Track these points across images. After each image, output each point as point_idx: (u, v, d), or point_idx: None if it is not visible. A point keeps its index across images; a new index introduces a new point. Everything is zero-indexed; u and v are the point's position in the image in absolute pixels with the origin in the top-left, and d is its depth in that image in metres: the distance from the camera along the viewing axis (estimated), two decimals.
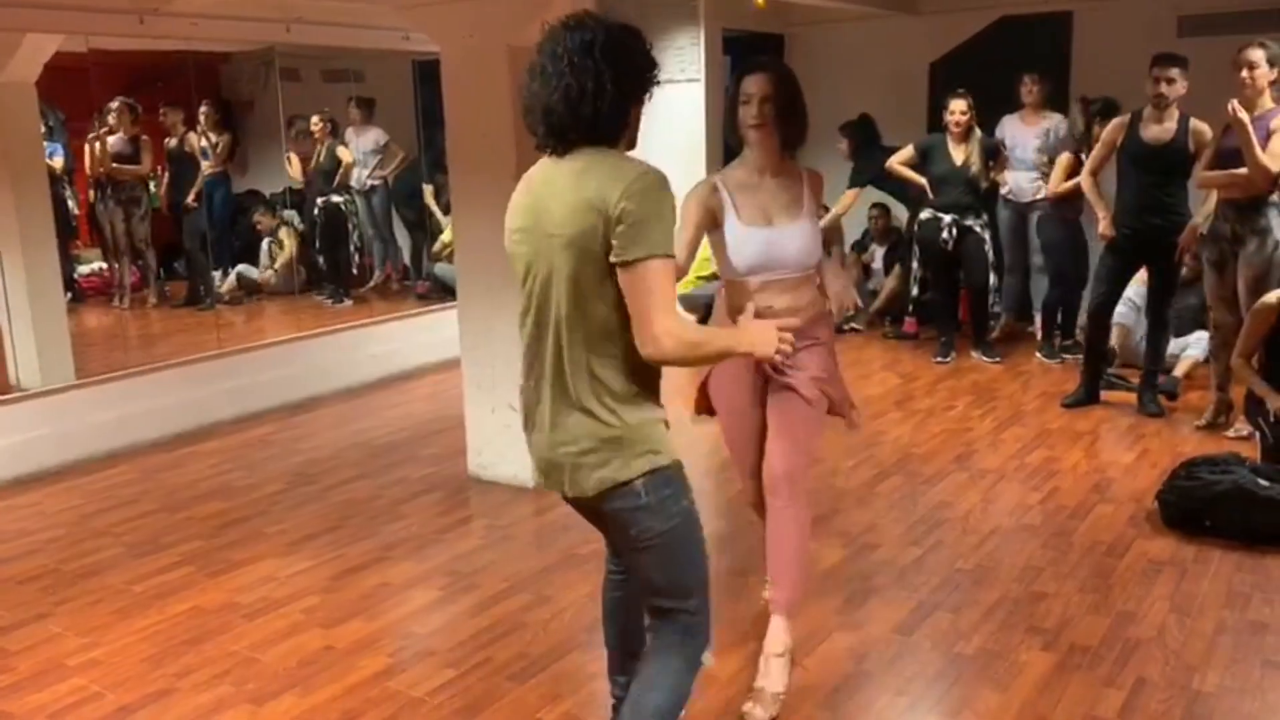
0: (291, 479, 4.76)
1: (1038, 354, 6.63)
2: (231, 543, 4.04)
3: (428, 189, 8.35)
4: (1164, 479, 4.12)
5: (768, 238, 2.90)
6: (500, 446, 4.58)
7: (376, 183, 8.48)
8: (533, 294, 2.13)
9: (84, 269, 8.46)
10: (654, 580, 2.21)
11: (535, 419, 2.20)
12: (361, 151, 8.40)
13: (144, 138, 7.92)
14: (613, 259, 1.98)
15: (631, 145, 2.18)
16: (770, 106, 2.87)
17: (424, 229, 8.60)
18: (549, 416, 2.13)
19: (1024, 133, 6.76)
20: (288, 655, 3.18)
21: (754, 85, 2.90)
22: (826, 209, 7.17)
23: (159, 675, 3.08)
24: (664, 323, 1.97)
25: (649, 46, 2.14)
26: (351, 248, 8.54)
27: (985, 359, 6.56)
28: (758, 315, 2.59)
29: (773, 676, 2.85)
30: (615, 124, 2.09)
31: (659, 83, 2.16)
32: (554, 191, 2.07)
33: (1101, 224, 5.31)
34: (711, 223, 2.96)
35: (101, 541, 4.09)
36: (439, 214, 8.26)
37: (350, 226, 8.51)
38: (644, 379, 2.10)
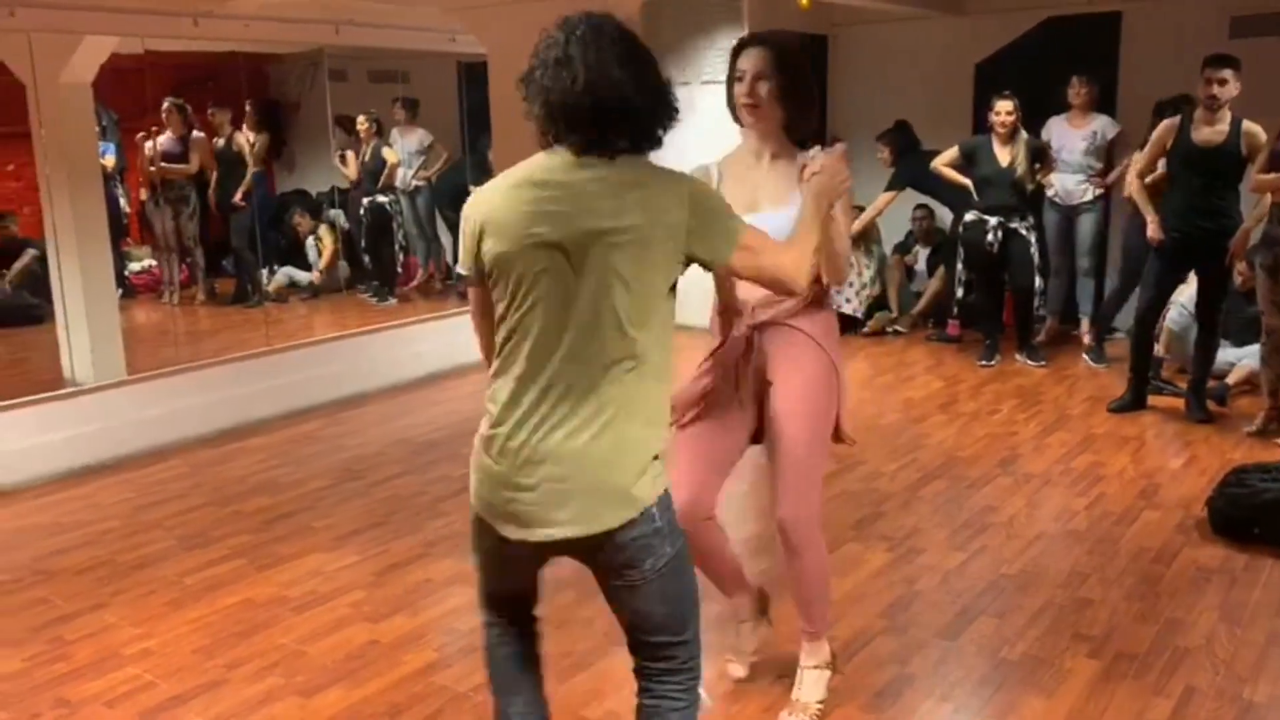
0: (337, 475, 4.83)
1: (1085, 357, 6.56)
2: (279, 537, 4.10)
3: (473, 190, 8.41)
4: (1213, 486, 4.07)
5: (758, 223, 2.59)
6: None
7: (421, 183, 8.57)
8: (537, 307, 1.89)
9: (134, 266, 8.64)
10: (654, 615, 1.99)
11: (526, 450, 1.90)
12: (406, 152, 8.49)
13: (194, 137, 8.08)
14: (707, 258, 1.95)
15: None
16: (764, 85, 2.57)
17: None
18: (559, 442, 1.88)
19: (1071, 135, 6.69)
20: (335, 649, 3.23)
21: (747, 61, 2.61)
22: (861, 208, 7.18)
23: (210, 666, 3.14)
24: (788, 259, 2.04)
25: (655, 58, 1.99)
26: (396, 247, 8.64)
27: (1030, 362, 6.50)
28: (738, 306, 2.66)
29: (806, 687, 2.84)
30: (657, 130, 1.95)
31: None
32: (596, 197, 1.87)
33: (1150, 228, 5.24)
34: None
35: (153, 534, 4.17)
36: None
37: (395, 226, 8.61)
38: (666, 391, 2.00)
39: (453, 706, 2.90)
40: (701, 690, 2.13)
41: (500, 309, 1.96)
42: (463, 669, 3.08)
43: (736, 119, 2.69)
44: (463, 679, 3.02)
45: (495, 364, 1.98)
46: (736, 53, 2.65)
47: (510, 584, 2.17)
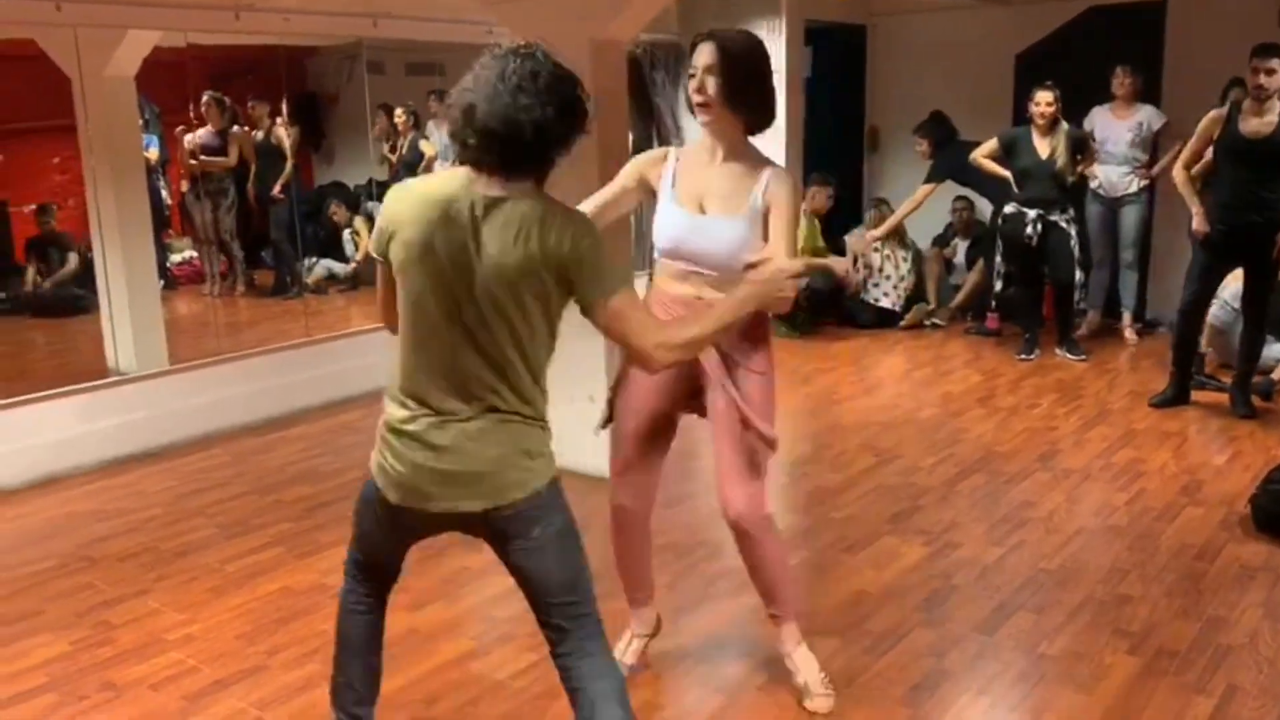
0: None
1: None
2: (319, 525, 4.15)
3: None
4: (1257, 482, 4.01)
5: (692, 224, 2.63)
6: (577, 436, 4.56)
7: None
8: (429, 306, 2.08)
9: (176, 257, 8.75)
10: (553, 575, 2.21)
11: (429, 435, 2.12)
12: (443, 144, 8.52)
13: (233, 131, 8.17)
14: (580, 302, 2.10)
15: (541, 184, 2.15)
16: (715, 81, 2.53)
17: None
18: (457, 429, 2.10)
19: (1115, 126, 6.61)
20: None
21: (699, 57, 2.56)
22: (863, 232, 7.13)
23: (252, 652, 3.18)
24: (652, 340, 2.14)
25: (586, 96, 2.08)
26: None
27: (1070, 356, 6.43)
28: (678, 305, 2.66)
29: (805, 668, 2.86)
30: (545, 162, 2.07)
31: (586, 133, 2.10)
32: (473, 229, 2.04)
33: (1195, 220, 5.17)
34: (645, 190, 2.74)
35: (196, 522, 4.24)
36: None
37: None
38: (543, 386, 2.20)
39: (490, 694, 2.92)
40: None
41: (400, 304, 2.16)
42: (500, 657, 3.10)
43: (693, 114, 2.66)
44: (500, 667, 3.04)
45: (400, 349, 2.18)
46: (692, 48, 2.61)
47: (391, 553, 2.47)
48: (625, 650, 3.00)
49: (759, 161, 2.65)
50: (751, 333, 2.64)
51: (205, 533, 4.12)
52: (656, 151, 2.78)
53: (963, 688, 2.90)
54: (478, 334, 2.09)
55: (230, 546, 3.97)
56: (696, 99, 2.58)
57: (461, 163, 2.08)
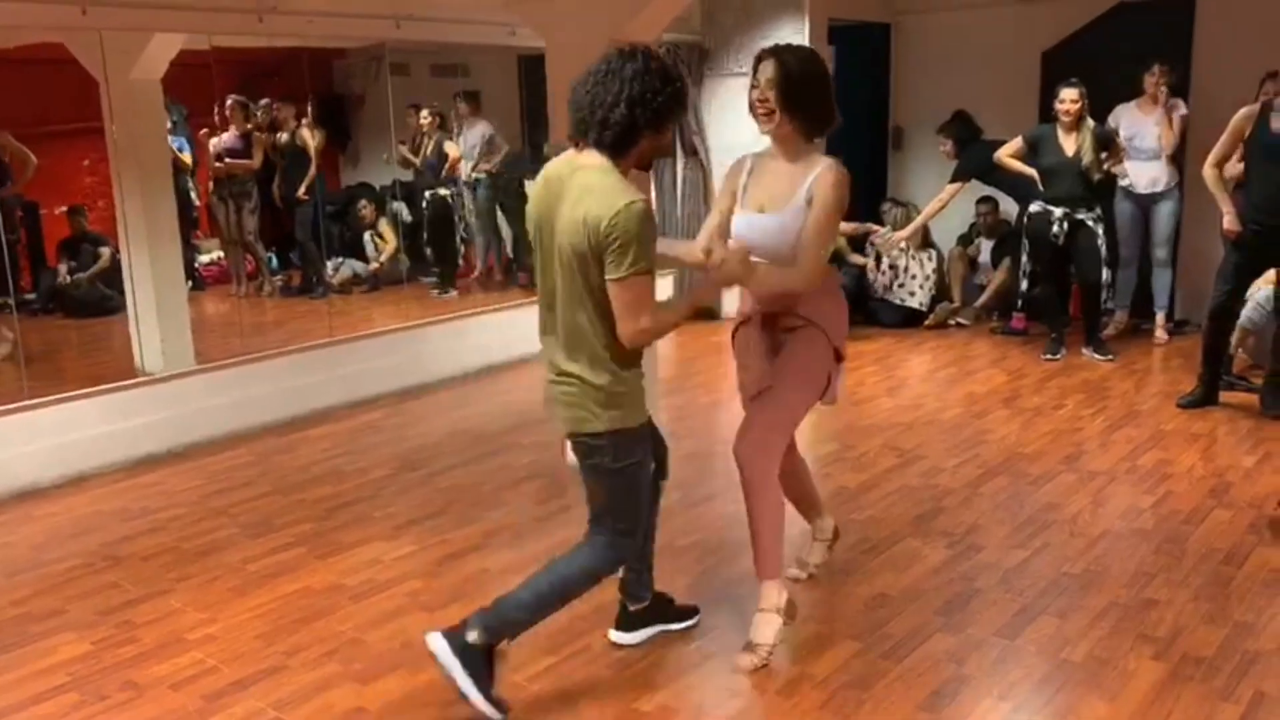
0: (398, 465, 4.89)
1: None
2: (340, 525, 4.17)
3: (530, 183, 8.44)
4: None
5: (748, 222, 3.04)
6: None
7: (482, 175, 8.62)
8: (544, 271, 2.70)
9: (204, 258, 8.82)
10: (593, 495, 2.93)
11: (549, 391, 2.78)
12: (468, 145, 8.55)
13: (256, 133, 8.23)
14: (607, 276, 2.52)
15: (641, 167, 2.71)
16: (775, 93, 2.91)
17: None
18: (553, 391, 2.76)
19: (1143, 121, 6.52)
20: (392, 637, 3.27)
21: (761, 72, 2.96)
22: (899, 222, 7.08)
23: (271, 652, 3.20)
24: (638, 324, 2.57)
25: (680, 90, 2.60)
26: (458, 239, 8.72)
27: (1097, 356, 6.36)
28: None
29: (757, 628, 3.05)
30: (622, 139, 2.57)
31: (676, 119, 2.66)
32: (561, 196, 2.60)
33: (1226, 219, 5.09)
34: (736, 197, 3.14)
35: (219, 521, 4.27)
36: None
37: (456, 218, 8.68)
38: (622, 353, 2.65)
39: (508, 695, 2.90)
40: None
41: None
42: (518, 659, 3.09)
43: (756, 121, 3.03)
44: (518, 669, 3.03)
45: None
46: (756, 64, 2.99)
47: None
48: (811, 552, 3.56)
49: (815, 160, 3.00)
50: (807, 304, 3.06)
51: (228, 532, 4.15)
52: (736, 162, 3.19)
53: (983, 693, 2.87)
54: (560, 297, 2.64)
55: (252, 546, 3.99)
56: (760, 109, 2.96)
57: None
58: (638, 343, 2.63)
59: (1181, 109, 6.50)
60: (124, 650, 3.23)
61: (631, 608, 3.15)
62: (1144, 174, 6.56)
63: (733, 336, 3.28)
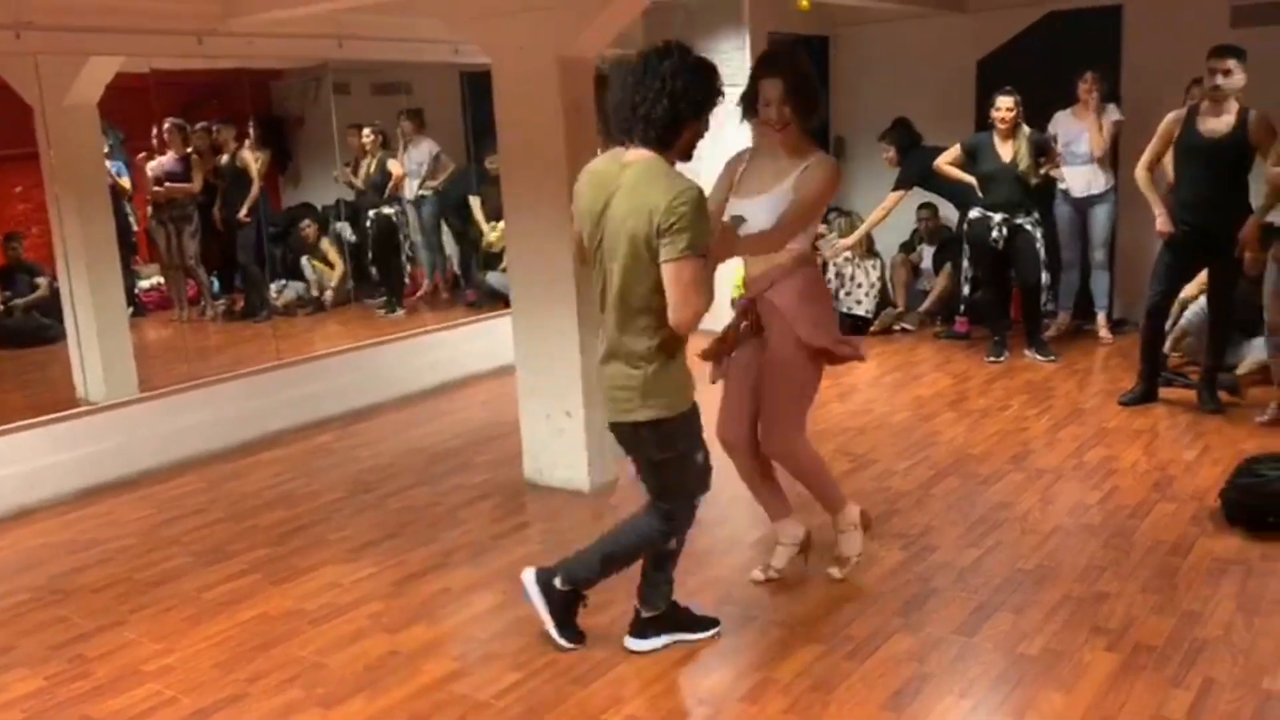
0: (351, 486, 4.84)
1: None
2: (295, 550, 4.12)
3: (474, 200, 8.42)
4: (1226, 476, 4.07)
5: (740, 208, 3.27)
6: (555, 452, 4.62)
7: (427, 193, 8.59)
8: (598, 264, 2.85)
9: (144, 284, 8.68)
10: (647, 480, 3.09)
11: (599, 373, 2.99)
12: (414, 163, 8.51)
13: (195, 156, 8.13)
14: (662, 258, 2.66)
15: (685, 157, 2.83)
16: (785, 108, 3.19)
17: (471, 239, 8.69)
18: (602, 371, 2.96)
19: (1078, 127, 6.68)
20: (354, 660, 3.24)
21: (767, 90, 3.20)
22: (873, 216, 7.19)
23: (231, 680, 3.15)
24: (694, 306, 2.70)
25: (717, 80, 2.75)
26: (403, 258, 8.66)
27: (1039, 358, 6.50)
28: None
29: (842, 545, 3.60)
30: (667, 132, 2.72)
31: (715, 106, 2.77)
32: (613, 191, 2.76)
33: (1159, 220, 5.24)
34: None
35: (171, 550, 4.19)
36: (483, 222, 8.34)
37: (401, 237, 8.63)
38: (668, 342, 2.82)
39: (474, 714, 2.91)
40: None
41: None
42: (483, 676, 3.09)
43: (747, 119, 3.31)
44: (483, 687, 3.03)
45: None
46: (758, 77, 3.24)
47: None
48: (775, 556, 3.63)
49: (810, 153, 3.29)
50: (781, 295, 3.34)
51: (180, 561, 4.08)
52: (735, 155, 3.44)
53: (944, 690, 2.92)
54: (611, 288, 2.79)
55: (206, 574, 3.93)
56: (776, 126, 3.22)
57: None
58: (690, 326, 2.74)
59: (1115, 114, 6.68)
60: (78, 685, 3.16)
61: (644, 614, 3.17)
62: (1080, 178, 6.72)
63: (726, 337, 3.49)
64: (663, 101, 2.66)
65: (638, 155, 2.76)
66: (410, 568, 3.90)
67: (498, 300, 7.54)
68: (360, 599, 3.66)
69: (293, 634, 3.43)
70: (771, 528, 3.69)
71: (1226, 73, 4.88)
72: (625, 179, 2.74)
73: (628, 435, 2.96)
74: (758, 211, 3.23)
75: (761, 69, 3.26)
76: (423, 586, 3.73)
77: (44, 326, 7.31)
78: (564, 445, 4.56)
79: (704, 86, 2.72)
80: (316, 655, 3.28)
